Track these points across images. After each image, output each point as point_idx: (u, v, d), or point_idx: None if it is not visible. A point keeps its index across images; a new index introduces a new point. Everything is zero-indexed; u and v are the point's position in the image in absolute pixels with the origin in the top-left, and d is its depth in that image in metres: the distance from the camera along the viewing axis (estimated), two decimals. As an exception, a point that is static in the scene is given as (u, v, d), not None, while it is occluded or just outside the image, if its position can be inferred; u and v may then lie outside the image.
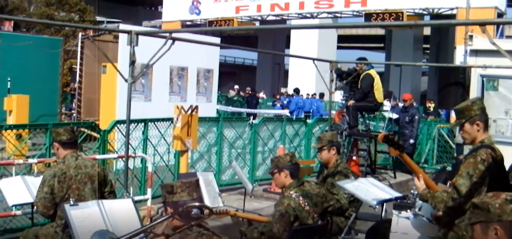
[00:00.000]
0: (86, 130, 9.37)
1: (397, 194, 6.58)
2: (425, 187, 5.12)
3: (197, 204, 3.84)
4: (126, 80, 7.25)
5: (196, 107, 9.08)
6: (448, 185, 5.22)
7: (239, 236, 6.38)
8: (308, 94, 29.94)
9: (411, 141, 14.82)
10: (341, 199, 6.64)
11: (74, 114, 18.37)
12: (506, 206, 3.16)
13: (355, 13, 34.69)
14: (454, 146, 14.66)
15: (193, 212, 3.81)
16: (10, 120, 13.93)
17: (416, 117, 15.09)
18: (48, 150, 8.23)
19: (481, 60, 11.83)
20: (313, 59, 10.54)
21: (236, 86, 34.39)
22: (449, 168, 14.22)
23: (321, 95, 27.25)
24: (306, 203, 5.81)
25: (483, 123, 4.87)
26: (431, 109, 28.40)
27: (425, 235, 6.27)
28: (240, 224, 6.25)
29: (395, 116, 15.68)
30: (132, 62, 7.15)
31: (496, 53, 9.48)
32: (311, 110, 25.50)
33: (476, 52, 12.23)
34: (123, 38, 12.31)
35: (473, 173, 4.62)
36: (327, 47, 36.65)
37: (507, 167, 7.62)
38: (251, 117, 21.69)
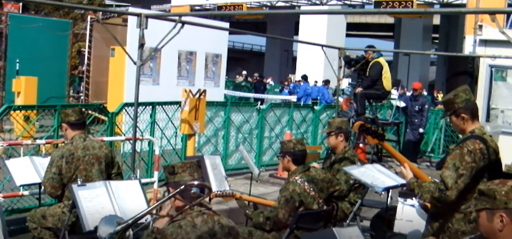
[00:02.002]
0: (93, 113, 9.39)
1: (403, 181, 6.58)
2: (412, 176, 5.01)
3: (196, 183, 3.87)
4: (135, 63, 7.27)
5: (204, 91, 9.09)
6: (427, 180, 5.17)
7: (245, 219, 6.43)
8: (316, 82, 29.90)
9: (421, 130, 14.73)
10: (341, 184, 6.66)
11: (82, 97, 18.39)
12: None
13: (364, 0, 34.56)
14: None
15: (192, 191, 3.83)
16: (18, 102, 13.95)
17: (426, 106, 15.00)
18: (56, 131, 8.26)
19: (490, 50, 11.81)
20: (322, 46, 10.52)
21: (244, 72, 34.38)
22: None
23: (327, 82, 27.22)
24: (311, 189, 5.83)
25: (468, 114, 4.72)
26: (439, 98, 28.34)
27: (430, 223, 6.29)
28: (246, 207, 6.28)
29: (402, 104, 15.60)
30: (141, 45, 7.16)
31: (505, 43, 9.48)
32: (318, 97, 25.48)
33: (485, 42, 12.21)
34: (132, 21, 12.32)
35: (460, 165, 4.49)
36: (336, 35, 36.55)
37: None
38: (259, 102, 21.71)
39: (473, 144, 4.54)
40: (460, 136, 4.84)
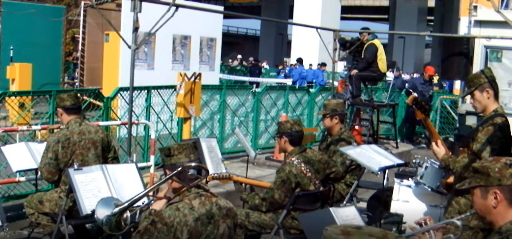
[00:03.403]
0: (88, 98, 9.38)
1: (399, 161, 6.60)
2: (444, 152, 5.16)
3: (193, 164, 3.86)
4: (129, 47, 7.25)
5: (199, 74, 9.09)
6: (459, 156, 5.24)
7: (242, 202, 6.44)
8: (310, 65, 29.87)
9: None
10: (338, 166, 6.67)
11: (77, 83, 18.33)
12: (505, 170, 3.19)
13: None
14: (456, 117, 14.63)
15: (189, 173, 3.83)
16: (13, 89, 13.90)
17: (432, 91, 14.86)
18: (52, 117, 8.24)
19: (485, 31, 11.79)
20: (317, 28, 10.51)
21: (239, 56, 34.31)
22: (451, 139, 14.22)
23: (323, 65, 27.24)
24: (307, 170, 5.83)
25: (493, 91, 4.92)
26: (435, 81, 28.31)
27: (427, 203, 6.32)
28: (242, 191, 6.28)
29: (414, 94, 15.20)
30: (136, 29, 7.14)
31: (500, 24, 9.47)
32: (313, 80, 25.49)
33: (480, 23, 12.19)
34: (126, 5, 12.29)
35: (492, 139, 4.71)
36: (330, 18, 36.41)
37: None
38: (254, 86, 21.69)
39: (502, 121, 4.78)
40: (470, 117, 5.05)
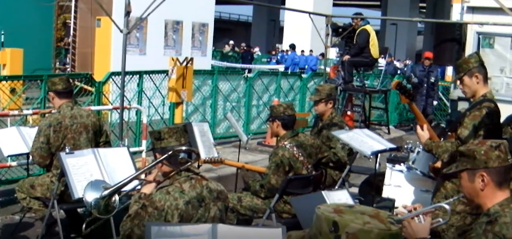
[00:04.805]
0: (79, 84, 9.34)
1: (391, 145, 6.61)
2: (428, 137, 5.10)
3: (184, 148, 3.85)
4: (121, 31, 7.21)
5: (191, 59, 9.07)
6: (441, 140, 5.22)
7: (233, 187, 6.45)
8: (302, 51, 29.89)
9: (435, 103, 14.47)
10: (339, 152, 6.63)
11: (68, 69, 18.26)
12: (491, 153, 3.21)
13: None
14: (448, 103, 14.65)
15: (180, 157, 3.82)
16: (4, 74, 13.84)
17: (439, 77, 14.69)
18: (43, 102, 8.19)
19: (477, 17, 11.80)
20: (309, 13, 10.49)
21: (231, 42, 34.25)
22: (443, 125, 14.23)
23: (321, 55, 27.30)
24: (300, 154, 5.83)
25: (482, 75, 4.87)
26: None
27: (418, 188, 6.34)
28: (249, 177, 6.23)
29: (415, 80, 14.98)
30: (128, 13, 7.10)
31: (493, 10, 9.47)
32: (305, 67, 25.52)
33: (472, 9, 12.18)
34: (117, -11, 12.24)
35: (479, 125, 4.65)
36: (323, 3, 36.38)
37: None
38: (246, 71, 21.68)
39: (489, 106, 4.71)
40: (462, 103, 4.98)
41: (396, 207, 5.92)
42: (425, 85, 14.16)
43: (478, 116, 4.70)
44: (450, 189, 4.87)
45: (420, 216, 3.53)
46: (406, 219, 3.54)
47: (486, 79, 4.91)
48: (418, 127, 5.20)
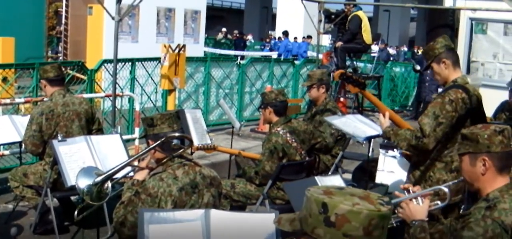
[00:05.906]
0: (71, 72, 9.30)
1: (384, 131, 6.60)
2: (388, 124, 4.82)
3: (176, 134, 3.84)
4: (113, 18, 7.18)
5: (184, 46, 9.04)
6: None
7: (227, 173, 6.44)
8: (295, 38, 29.84)
9: (440, 89, 14.32)
10: (326, 137, 6.65)
11: (61, 57, 18.19)
12: (495, 137, 3.19)
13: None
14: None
15: (173, 143, 3.81)
16: (-5, 62, 13.78)
17: None
18: (35, 90, 8.16)
19: (470, 3, 11.81)
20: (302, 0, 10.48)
21: (224, 29, 34.15)
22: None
23: (308, 37, 27.26)
24: (293, 140, 5.83)
25: (450, 60, 4.59)
26: (420, 53, 28.42)
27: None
28: (245, 163, 6.22)
29: (418, 67, 14.91)
30: (119, 0, 7.08)
31: (485, -5, 9.47)
32: (298, 53, 25.48)
33: (465, -5, 12.20)
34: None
35: (440, 113, 4.38)
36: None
37: (492, 110, 7.62)
38: (239, 58, 21.66)
39: (455, 93, 4.42)
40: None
41: (390, 193, 5.93)
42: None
43: (439, 103, 4.43)
44: (417, 177, 4.68)
45: (418, 198, 3.55)
46: (404, 201, 3.55)
47: (456, 63, 4.64)
48: (380, 115, 4.93)
